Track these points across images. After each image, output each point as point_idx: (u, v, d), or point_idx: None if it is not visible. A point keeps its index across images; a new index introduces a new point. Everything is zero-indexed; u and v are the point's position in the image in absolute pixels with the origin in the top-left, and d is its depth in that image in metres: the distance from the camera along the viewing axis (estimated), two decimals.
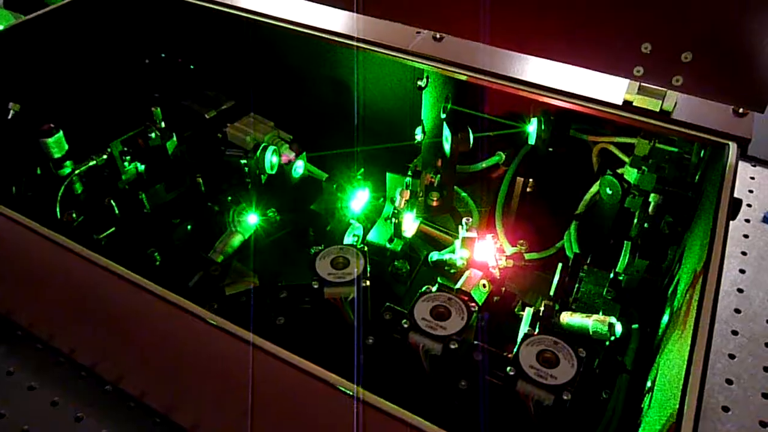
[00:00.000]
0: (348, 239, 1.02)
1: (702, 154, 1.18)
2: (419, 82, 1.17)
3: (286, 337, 0.83)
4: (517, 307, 1.02)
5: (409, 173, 1.09)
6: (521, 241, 1.23)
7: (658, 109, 1.01)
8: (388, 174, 1.11)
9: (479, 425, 0.74)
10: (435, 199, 1.31)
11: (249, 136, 1.25)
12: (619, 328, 0.90)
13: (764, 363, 1.13)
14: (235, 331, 0.69)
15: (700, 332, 0.67)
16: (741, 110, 1.02)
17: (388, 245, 1.09)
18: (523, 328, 0.89)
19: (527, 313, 0.90)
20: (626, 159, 1.33)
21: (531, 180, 1.36)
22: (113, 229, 1.19)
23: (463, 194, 1.35)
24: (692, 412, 0.60)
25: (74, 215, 1.12)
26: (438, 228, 1.21)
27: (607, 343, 0.93)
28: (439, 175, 1.32)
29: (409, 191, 1.05)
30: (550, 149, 1.32)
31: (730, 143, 0.96)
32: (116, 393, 1.06)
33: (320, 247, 0.82)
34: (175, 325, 0.80)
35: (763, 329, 1.20)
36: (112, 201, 1.20)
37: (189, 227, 1.26)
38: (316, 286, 0.77)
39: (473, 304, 0.75)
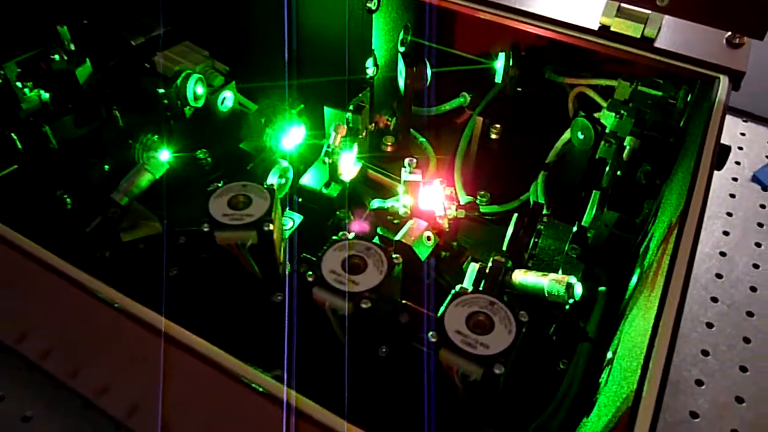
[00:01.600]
0: (272, 180, 0.87)
1: (689, 98, 1.04)
2: (369, 4, 1.01)
3: (179, 291, 0.70)
4: (465, 263, 0.89)
5: (350, 107, 0.94)
6: (482, 192, 1.09)
7: (639, 35, 0.86)
8: (325, 108, 0.95)
9: (402, 400, 0.61)
10: (389, 144, 1.16)
11: (179, 65, 1.09)
12: (578, 289, 0.76)
13: (744, 333, 1.01)
14: (106, 296, 0.55)
15: (671, 293, 0.53)
16: (736, 40, 0.87)
17: (324, 190, 0.95)
18: (467, 285, 0.76)
19: (471, 269, 0.76)
20: (604, 104, 1.19)
21: (498, 125, 1.21)
22: (15, 166, 1.03)
23: (421, 139, 1.20)
24: (655, 389, 0.46)
25: None
26: (387, 174, 1.07)
27: (567, 307, 0.80)
28: (395, 118, 1.17)
29: (345, 128, 0.90)
30: (519, 89, 1.17)
31: (720, 76, 0.82)
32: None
33: (218, 184, 0.68)
34: (64, 298, 0.66)
35: (745, 297, 1.07)
36: (12, 134, 1.03)
37: (107, 168, 1.10)
38: (206, 230, 0.63)
39: (397, 255, 0.61)
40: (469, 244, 0.97)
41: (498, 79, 1.13)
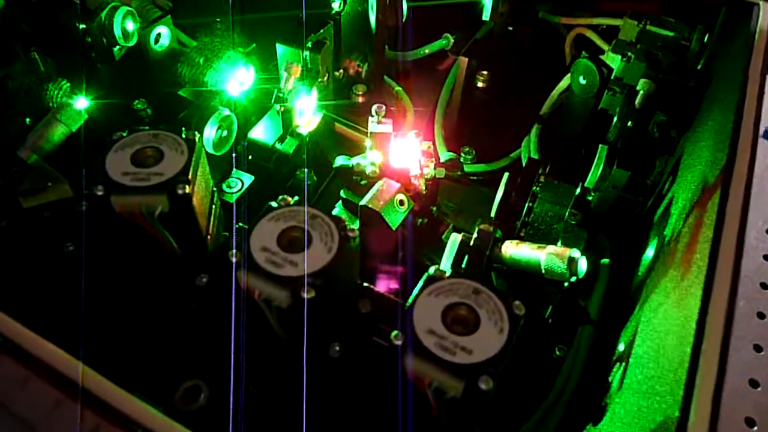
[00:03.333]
0: (209, 132, 0.71)
1: (705, 39, 0.89)
2: None
3: (74, 271, 0.54)
4: (446, 233, 0.74)
5: (308, 44, 0.77)
6: (466, 148, 0.93)
7: None
8: (278, 45, 0.79)
9: (359, 415, 0.47)
10: (360, 93, 1.00)
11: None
12: (583, 265, 0.63)
13: None
14: None
15: (718, 279, 0.39)
16: None
17: (277, 146, 0.79)
18: (445, 264, 0.61)
19: (452, 240, 0.62)
20: (607, 47, 1.04)
21: (486, 72, 1.05)
22: None
23: (397, 88, 1.03)
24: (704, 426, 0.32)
25: None
26: (357, 127, 0.91)
27: (566, 284, 0.66)
28: (366, 63, 1.01)
29: (300, 67, 0.74)
30: (510, 28, 1.01)
31: (760, 2, 0.66)
32: None
33: (122, 133, 0.52)
34: None
35: None
36: None
37: (28, 121, 0.93)
38: (100, 193, 0.47)
39: (353, 228, 0.46)
40: (451, 210, 0.82)
41: (486, 16, 0.97)
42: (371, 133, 0.70)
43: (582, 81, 0.85)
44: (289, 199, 0.48)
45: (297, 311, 0.43)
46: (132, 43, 0.88)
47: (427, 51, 1.07)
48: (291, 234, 0.45)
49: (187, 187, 0.48)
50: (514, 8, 0.96)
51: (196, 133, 0.52)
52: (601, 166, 0.70)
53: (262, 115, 0.85)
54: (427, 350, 0.39)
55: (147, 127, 0.53)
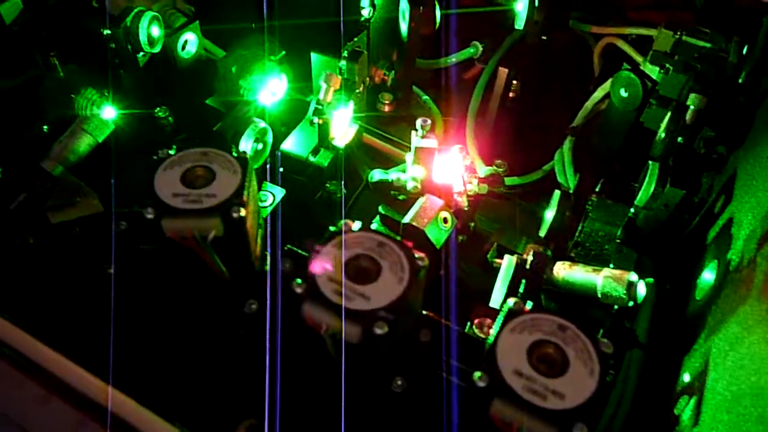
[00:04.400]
0: (246, 145, 0.68)
1: (744, 51, 0.86)
2: None
3: (119, 295, 0.51)
4: (491, 252, 0.71)
5: (345, 54, 0.74)
6: (499, 161, 0.90)
7: None
8: (313, 55, 0.76)
9: None
10: (387, 102, 0.97)
11: (133, 3, 0.88)
12: (642, 289, 0.60)
13: None
14: None
15: None
16: None
17: (310, 158, 0.76)
18: (501, 289, 0.59)
19: (508, 263, 0.59)
20: (639, 58, 1.01)
21: (516, 82, 1.02)
22: None
23: (425, 97, 1.01)
24: None
25: None
26: (389, 138, 0.88)
27: (616, 306, 0.63)
28: (393, 71, 0.97)
29: (340, 79, 0.71)
30: (544, 37, 0.98)
31: None
32: None
33: (169, 151, 0.49)
34: None
35: None
36: None
37: (45, 128, 0.90)
38: (150, 217, 0.44)
39: (420, 254, 0.43)
40: (487, 226, 0.79)
41: (519, 24, 0.94)
42: (416, 148, 0.67)
43: (623, 93, 0.82)
44: (351, 223, 0.45)
45: (366, 346, 0.40)
46: (157, 49, 0.85)
47: (454, 59, 1.04)
48: (359, 263, 0.42)
49: (242, 210, 0.45)
50: (549, 16, 0.93)
51: (247, 151, 0.49)
52: (653, 184, 0.68)
53: (290, 125, 0.83)
54: (516, 394, 0.36)
55: (194, 141, 0.50)
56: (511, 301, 0.41)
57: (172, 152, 0.49)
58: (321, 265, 0.42)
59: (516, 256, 0.60)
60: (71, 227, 0.62)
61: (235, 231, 0.46)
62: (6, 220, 0.68)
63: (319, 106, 0.70)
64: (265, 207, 0.76)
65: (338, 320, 0.39)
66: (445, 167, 0.68)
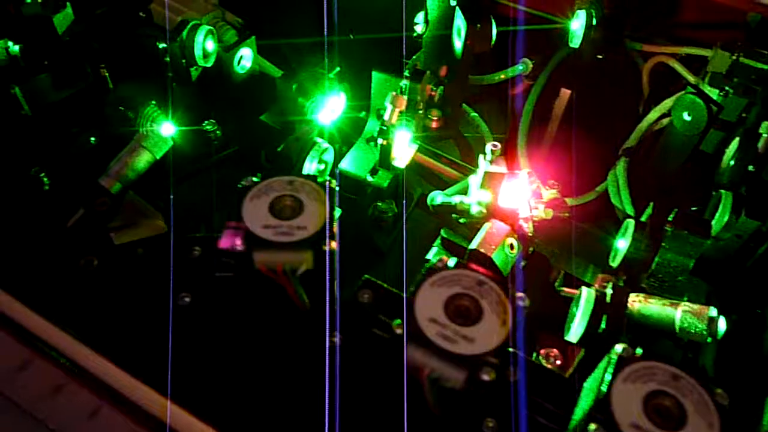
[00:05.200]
0: (310, 167, 0.67)
1: None
2: None
3: (192, 327, 0.50)
4: (558, 280, 0.69)
5: (406, 73, 0.73)
6: (551, 181, 0.89)
7: None
8: (374, 73, 0.75)
9: None
10: (435, 118, 0.95)
11: (181, 16, 0.87)
12: (722, 324, 0.58)
13: None
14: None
15: None
16: None
17: (369, 178, 0.74)
18: (580, 324, 0.57)
19: (587, 297, 0.57)
20: (692, 78, 0.99)
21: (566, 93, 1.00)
22: None
23: (473, 114, 0.99)
24: None
25: None
26: (442, 156, 0.86)
27: (685, 339, 0.62)
28: (441, 87, 0.96)
29: (405, 99, 0.69)
30: (600, 56, 0.96)
31: None
32: None
33: (253, 178, 0.47)
34: None
35: None
36: None
37: (93, 140, 0.89)
38: (240, 249, 0.43)
39: (521, 296, 0.41)
40: (543, 249, 0.77)
41: (575, 43, 0.92)
42: (485, 172, 0.65)
43: (687, 117, 0.80)
44: (446, 258, 0.43)
45: (472, 392, 0.38)
46: (210, 63, 0.84)
47: (503, 76, 1.03)
48: (459, 303, 0.41)
49: (333, 242, 0.44)
50: (607, 35, 0.92)
51: (332, 179, 0.47)
52: (727, 215, 0.66)
53: (342, 141, 0.81)
54: None
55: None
56: (619, 347, 0.39)
57: (255, 179, 0.48)
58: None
59: (594, 289, 0.58)
60: (135, 248, 0.61)
61: (323, 263, 0.44)
62: (63, 237, 0.68)
63: (384, 127, 0.69)
64: None
65: (444, 365, 0.38)
66: (513, 192, 0.67)
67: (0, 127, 0.84)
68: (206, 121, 0.88)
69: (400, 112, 0.69)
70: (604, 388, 0.37)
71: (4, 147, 0.84)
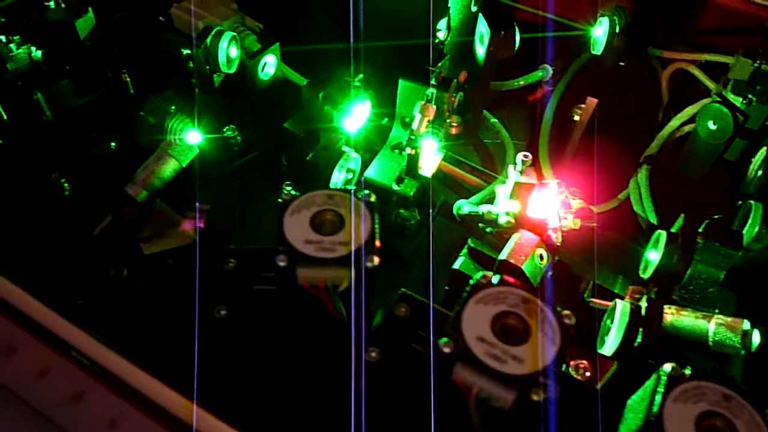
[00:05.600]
0: (338, 177, 0.67)
1: None
2: None
3: (228, 341, 0.50)
4: (587, 291, 0.69)
5: (433, 81, 0.73)
6: (573, 189, 0.88)
7: None
8: (400, 81, 0.74)
9: None
10: (455, 124, 0.95)
11: (202, 21, 0.87)
12: (757, 338, 0.58)
13: None
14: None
15: None
16: None
17: (395, 187, 0.74)
18: (615, 338, 0.57)
19: (622, 308, 0.57)
20: (712, 86, 0.99)
21: (584, 106, 1.00)
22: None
23: (493, 120, 0.99)
24: None
25: None
26: (464, 162, 0.86)
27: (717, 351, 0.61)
28: (461, 93, 0.96)
29: (435, 109, 0.69)
30: (622, 63, 0.96)
31: None
32: None
33: (292, 192, 0.47)
34: None
35: None
36: None
37: (113, 145, 0.89)
38: (283, 264, 0.42)
39: (568, 313, 0.41)
40: (568, 259, 0.77)
41: (597, 50, 0.92)
42: (515, 183, 0.65)
43: (712, 126, 0.80)
44: (489, 275, 0.43)
45: (521, 413, 0.38)
46: (233, 69, 0.83)
47: (522, 82, 1.03)
48: (506, 321, 0.40)
49: (375, 258, 0.43)
50: (630, 42, 0.91)
51: (372, 193, 0.47)
52: (758, 226, 0.66)
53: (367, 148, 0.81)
54: None
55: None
56: (668, 366, 0.39)
57: (294, 192, 0.48)
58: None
59: (629, 302, 0.57)
60: (165, 258, 0.61)
61: (368, 279, 0.44)
62: (90, 245, 0.67)
63: (412, 137, 0.68)
64: None
65: (493, 385, 0.37)
66: (542, 202, 0.66)
67: (21, 132, 0.84)
68: (227, 127, 0.88)
69: (429, 122, 0.69)
70: (655, 409, 0.37)
71: (26, 152, 0.84)
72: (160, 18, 0.93)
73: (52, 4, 0.80)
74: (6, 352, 0.50)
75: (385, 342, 0.47)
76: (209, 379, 0.48)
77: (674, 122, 0.94)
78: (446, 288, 0.73)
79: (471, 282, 0.42)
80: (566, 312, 0.41)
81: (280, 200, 0.46)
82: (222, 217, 0.79)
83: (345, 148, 0.69)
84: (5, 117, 0.83)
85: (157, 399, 0.47)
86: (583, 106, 1.00)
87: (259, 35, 0.90)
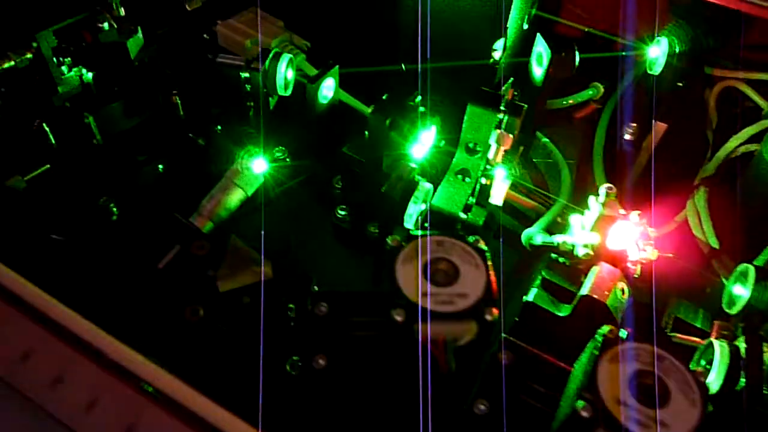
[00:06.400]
0: (413, 210, 0.65)
1: None
2: None
3: (327, 390, 0.48)
4: (668, 326, 0.67)
5: (503, 107, 0.71)
6: (636, 212, 0.86)
7: None
8: (468, 106, 0.72)
9: None
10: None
11: (249, 39, 0.85)
12: None
13: None
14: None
15: None
16: None
17: (463, 216, 0.72)
18: (717, 378, 0.54)
19: (721, 352, 0.55)
20: (764, 104, 0.98)
21: (635, 124, 0.98)
22: (47, 166, 0.80)
23: (544, 140, 0.97)
24: None
25: None
26: (522, 185, 0.84)
27: None
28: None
29: (512, 138, 0.67)
30: (680, 84, 0.94)
31: None
32: None
33: (397, 237, 0.45)
34: None
35: None
36: (44, 124, 0.80)
37: (161, 168, 0.87)
38: (399, 319, 0.40)
39: (701, 372, 0.39)
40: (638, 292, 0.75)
41: (655, 70, 0.90)
42: (599, 215, 0.63)
43: None
44: (616, 330, 0.41)
45: None
46: (288, 92, 0.81)
47: (571, 101, 1.01)
48: (643, 381, 0.38)
49: (494, 311, 0.41)
50: (689, 63, 0.89)
51: (480, 238, 0.45)
52: None
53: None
54: None
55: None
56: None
57: (399, 238, 0.45)
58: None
59: (727, 343, 0.56)
60: (240, 296, 0.58)
61: (486, 334, 0.42)
62: (156, 278, 0.65)
63: (488, 166, 0.67)
64: None
65: None
66: (623, 234, 0.65)
67: (70, 156, 0.82)
68: (276, 148, 0.86)
69: (506, 151, 0.67)
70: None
71: (74, 176, 0.82)
72: (204, 35, 0.92)
73: (105, 25, 0.77)
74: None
75: (492, 393, 0.45)
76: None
77: (731, 143, 0.92)
78: (515, 320, 0.71)
79: (597, 337, 0.40)
80: (700, 369, 0.39)
81: (387, 245, 0.44)
82: (277, 244, 0.77)
83: (419, 178, 0.67)
84: (53, 141, 0.81)
85: None
86: (634, 125, 0.99)
87: (307, 53, 0.89)
